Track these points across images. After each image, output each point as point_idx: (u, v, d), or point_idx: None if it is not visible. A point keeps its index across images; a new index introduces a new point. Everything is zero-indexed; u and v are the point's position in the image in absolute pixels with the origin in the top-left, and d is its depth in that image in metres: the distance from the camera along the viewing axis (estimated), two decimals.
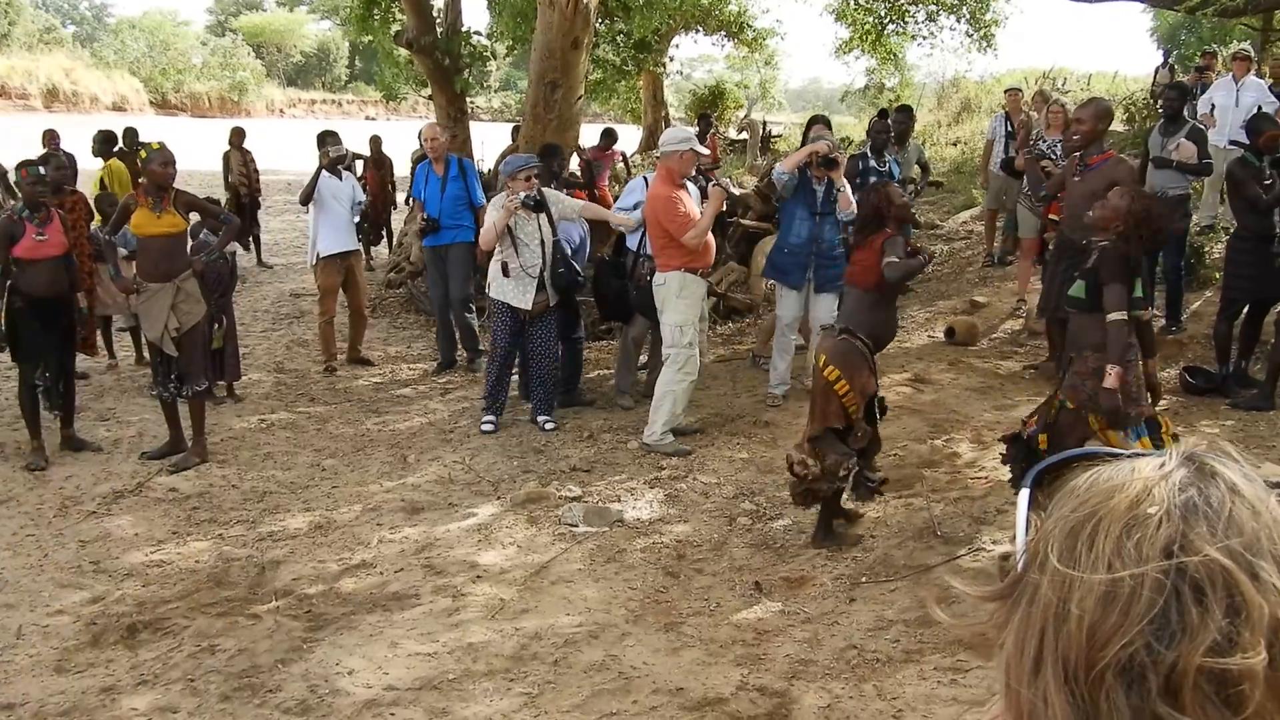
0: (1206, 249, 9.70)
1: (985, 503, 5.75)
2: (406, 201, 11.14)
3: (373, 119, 46.92)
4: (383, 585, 5.04)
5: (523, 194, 7.00)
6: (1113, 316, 4.78)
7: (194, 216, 7.04)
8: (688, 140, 6.77)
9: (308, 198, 8.54)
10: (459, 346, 8.93)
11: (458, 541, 5.53)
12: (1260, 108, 9.11)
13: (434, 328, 9.47)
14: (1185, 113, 8.72)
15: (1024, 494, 0.92)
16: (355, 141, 12.34)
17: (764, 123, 23.74)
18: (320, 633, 4.59)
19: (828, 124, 9.08)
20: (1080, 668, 0.71)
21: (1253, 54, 11.79)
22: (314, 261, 8.64)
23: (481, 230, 7.15)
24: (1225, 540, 0.70)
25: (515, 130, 12.27)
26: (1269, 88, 10.88)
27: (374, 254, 14.49)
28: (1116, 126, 16.33)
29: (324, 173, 8.55)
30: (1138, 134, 13.64)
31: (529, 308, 7.14)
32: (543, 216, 7.16)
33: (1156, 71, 16.85)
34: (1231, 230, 8.05)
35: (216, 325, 7.49)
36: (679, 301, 6.75)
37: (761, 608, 4.81)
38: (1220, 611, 0.68)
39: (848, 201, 7.31)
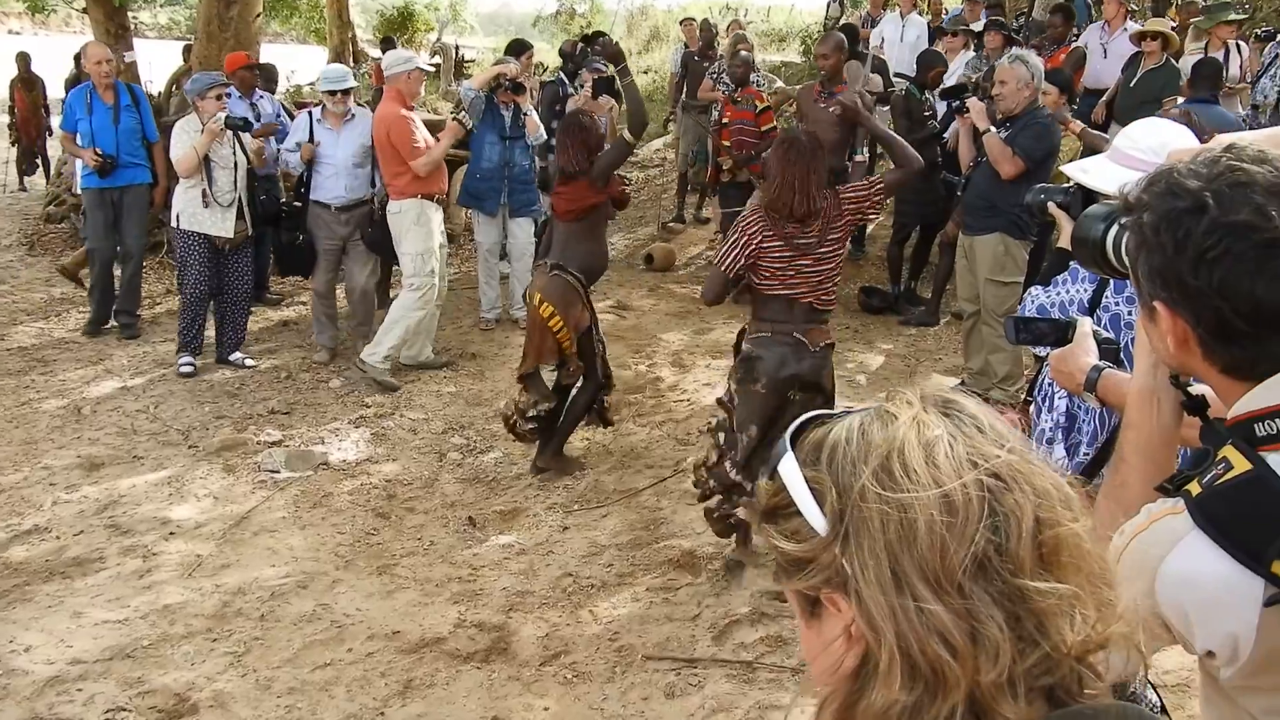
0: None
1: (688, 425, 5.96)
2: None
3: (17, 33, 41.85)
4: (60, 551, 4.60)
5: (223, 115, 6.57)
6: None
7: None
8: (411, 60, 6.70)
9: None
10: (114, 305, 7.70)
11: (145, 497, 5.13)
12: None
13: None
14: (860, 48, 9.20)
15: (788, 458, 0.94)
16: None
17: (456, 47, 23.15)
18: None
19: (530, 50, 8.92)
20: (941, 573, 0.81)
21: None
22: None
23: (177, 156, 6.53)
24: (1003, 444, 0.86)
25: (187, 50, 11.30)
26: (928, 25, 11.70)
27: (28, 184, 13.12)
28: (794, 58, 17.19)
29: None
30: (814, 66, 14.32)
31: (231, 236, 6.72)
32: (238, 139, 6.75)
33: (829, 6, 17.71)
34: None
35: None
36: (418, 229, 6.56)
37: (476, 543, 4.79)
38: (1029, 495, 0.84)
39: (535, 126, 7.50)
